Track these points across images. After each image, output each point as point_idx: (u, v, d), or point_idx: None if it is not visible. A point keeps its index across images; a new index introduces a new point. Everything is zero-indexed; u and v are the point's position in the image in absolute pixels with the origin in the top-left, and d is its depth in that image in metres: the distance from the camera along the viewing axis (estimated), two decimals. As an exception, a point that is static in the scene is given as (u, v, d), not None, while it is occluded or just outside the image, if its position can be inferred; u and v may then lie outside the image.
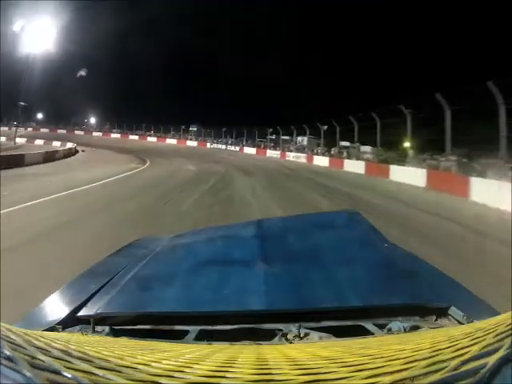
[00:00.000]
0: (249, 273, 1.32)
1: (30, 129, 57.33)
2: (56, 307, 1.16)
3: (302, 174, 19.42)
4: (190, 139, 48.40)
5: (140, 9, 53.86)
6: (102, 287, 1.23)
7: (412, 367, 0.40)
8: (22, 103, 46.02)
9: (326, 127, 27.97)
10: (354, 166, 21.03)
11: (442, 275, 1.35)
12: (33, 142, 33.33)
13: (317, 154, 29.38)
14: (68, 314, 1.05)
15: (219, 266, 1.41)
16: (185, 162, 21.58)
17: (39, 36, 36.74)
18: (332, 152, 28.19)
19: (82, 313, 1.06)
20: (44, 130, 56.43)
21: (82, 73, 39.24)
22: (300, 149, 33.52)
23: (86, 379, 0.38)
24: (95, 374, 0.40)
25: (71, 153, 25.00)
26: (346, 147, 27.41)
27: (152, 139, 50.11)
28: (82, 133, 54.69)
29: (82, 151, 27.84)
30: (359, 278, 1.25)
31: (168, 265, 1.57)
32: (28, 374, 0.35)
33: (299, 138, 36.13)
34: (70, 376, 0.37)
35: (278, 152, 34.34)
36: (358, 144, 25.78)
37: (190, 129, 51.07)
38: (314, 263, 1.40)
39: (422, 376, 0.37)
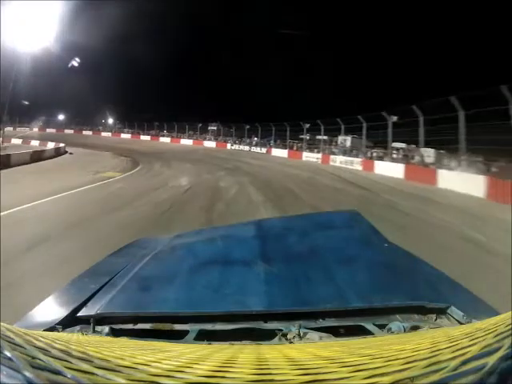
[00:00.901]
0: (249, 273, 1.32)
1: (35, 129, 55.05)
2: (56, 307, 1.17)
3: (410, 206, 9.28)
4: (209, 139, 41.08)
5: (151, 8, 51.22)
6: (102, 287, 1.24)
7: (412, 367, 0.41)
8: (25, 102, 46.27)
9: (395, 118, 19.59)
10: (461, 183, 12.28)
11: (442, 275, 1.37)
12: (29, 143, 30.51)
13: (371, 157, 21.26)
14: (68, 314, 1.06)
15: (219, 266, 1.42)
16: (185, 171, 15.99)
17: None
18: (395, 155, 19.99)
19: (82, 313, 1.07)
20: (50, 130, 53.16)
21: (74, 63, 36.22)
22: (345, 151, 25.43)
23: (86, 379, 0.38)
24: (95, 374, 0.40)
25: (41, 156, 19.64)
26: (400, 149, 20.23)
27: (165, 140, 44.12)
28: (90, 133, 51.16)
29: (70, 154, 23.72)
30: (359, 278, 1.24)
31: (168, 265, 1.57)
32: (28, 374, 0.35)
33: (340, 138, 28.02)
34: (70, 376, 0.38)
35: (319, 155, 25.87)
36: (413, 146, 18.97)
37: (209, 128, 43.30)
38: (314, 263, 1.41)
39: (421, 376, 0.38)
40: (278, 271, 1.30)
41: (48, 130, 53.68)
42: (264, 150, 32.27)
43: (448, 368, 0.37)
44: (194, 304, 1.12)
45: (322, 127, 26.43)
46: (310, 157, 26.31)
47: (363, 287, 1.17)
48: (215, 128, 42.66)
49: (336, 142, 27.55)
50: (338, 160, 23.05)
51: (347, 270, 1.31)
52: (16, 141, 31.21)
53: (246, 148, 34.55)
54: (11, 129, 50.91)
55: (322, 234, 1.89)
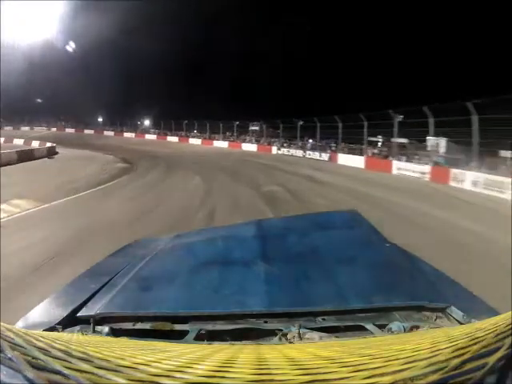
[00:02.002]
0: (249, 273, 1.32)
1: (53, 129, 51.45)
2: (56, 307, 1.16)
3: None
4: (248, 141, 32.41)
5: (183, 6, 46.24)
6: (102, 287, 1.24)
7: (412, 367, 0.41)
8: (38, 100, 47.63)
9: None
10: None
11: (442, 275, 1.36)
12: (29, 144, 27.42)
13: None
14: (68, 314, 1.06)
15: (219, 266, 1.42)
16: (174, 201, 8.82)
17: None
18: None
19: (82, 313, 1.07)
20: (70, 130, 50.49)
21: (68, 48, 36.28)
22: (453, 160, 15.15)
23: (86, 379, 0.38)
24: (95, 374, 0.40)
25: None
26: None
27: (195, 141, 36.85)
28: (111, 133, 46.04)
29: (50, 158, 19.26)
30: (359, 279, 1.25)
31: (168, 265, 1.57)
32: (28, 374, 0.35)
33: (431, 140, 17.93)
34: (70, 376, 0.38)
35: (424, 167, 15.07)
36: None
37: (250, 128, 34.12)
38: (314, 263, 1.41)
39: (421, 376, 0.38)
40: (278, 271, 1.30)
41: (67, 130, 50.70)
42: (325, 156, 22.37)
43: (448, 368, 0.37)
44: (194, 304, 1.12)
45: (431, 120, 16.25)
46: (406, 169, 16.16)
47: (363, 287, 1.17)
48: (257, 128, 33.63)
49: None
50: (469, 178, 12.79)
51: (347, 270, 1.31)
52: (18, 141, 28.91)
53: (299, 152, 24.90)
54: (27, 128, 48.41)
55: (322, 234, 1.89)
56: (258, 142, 31.52)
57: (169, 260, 1.64)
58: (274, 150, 27.63)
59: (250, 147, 30.45)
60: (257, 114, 33.89)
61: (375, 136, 21.19)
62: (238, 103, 41.32)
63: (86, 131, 48.17)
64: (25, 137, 30.70)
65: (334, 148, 23.70)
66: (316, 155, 23.23)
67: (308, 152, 24.23)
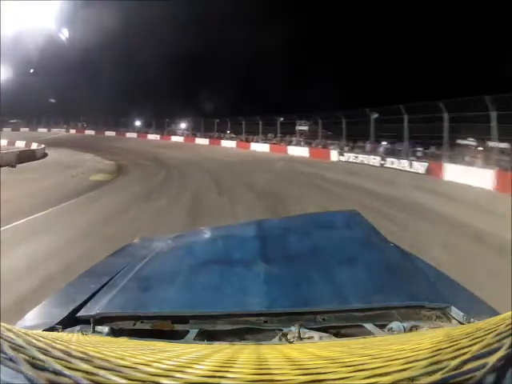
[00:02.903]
0: (249, 273, 1.31)
1: (72, 130, 48.87)
2: (56, 307, 1.16)
3: None
4: (296, 144, 25.74)
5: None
6: (102, 287, 1.23)
7: (412, 367, 0.40)
8: (52, 100, 45.84)
9: None
10: None
11: (442, 275, 1.35)
12: (29, 146, 24.61)
13: None
14: (68, 314, 1.05)
15: (219, 266, 1.41)
16: None
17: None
18: None
19: (81, 313, 1.06)
20: (89, 132, 46.57)
21: (62, 36, 34.14)
22: None
23: (86, 379, 0.38)
24: (95, 374, 0.40)
25: None
26: None
27: (228, 144, 30.50)
28: (134, 135, 42.13)
29: (12, 167, 14.04)
30: (359, 279, 1.24)
31: (168, 265, 1.55)
32: (28, 374, 0.36)
33: None
34: (70, 376, 0.38)
35: None
36: None
37: (297, 127, 26.76)
38: (314, 263, 1.39)
39: (421, 376, 0.38)
40: (278, 271, 1.29)
41: (87, 132, 47.35)
42: (420, 167, 14.79)
43: (448, 368, 0.36)
44: (194, 304, 1.11)
45: None
46: None
47: (363, 287, 1.16)
48: (306, 128, 26.60)
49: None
50: None
51: (347, 270, 1.30)
52: (20, 143, 27.33)
53: (373, 160, 17.78)
54: (45, 130, 46.26)
55: (322, 234, 1.87)
56: (309, 144, 24.65)
57: (169, 260, 1.63)
58: (334, 155, 20.54)
59: (298, 151, 23.95)
60: (305, 106, 26.79)
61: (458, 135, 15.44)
62: (280, 97, 34.21)
63: (107, 133, 44.61)
64: (28, 139, 28.86)
65: (420, 153, 16.37)
66: (403, 164, 15.61)
67: (389, 160, 16.80)
